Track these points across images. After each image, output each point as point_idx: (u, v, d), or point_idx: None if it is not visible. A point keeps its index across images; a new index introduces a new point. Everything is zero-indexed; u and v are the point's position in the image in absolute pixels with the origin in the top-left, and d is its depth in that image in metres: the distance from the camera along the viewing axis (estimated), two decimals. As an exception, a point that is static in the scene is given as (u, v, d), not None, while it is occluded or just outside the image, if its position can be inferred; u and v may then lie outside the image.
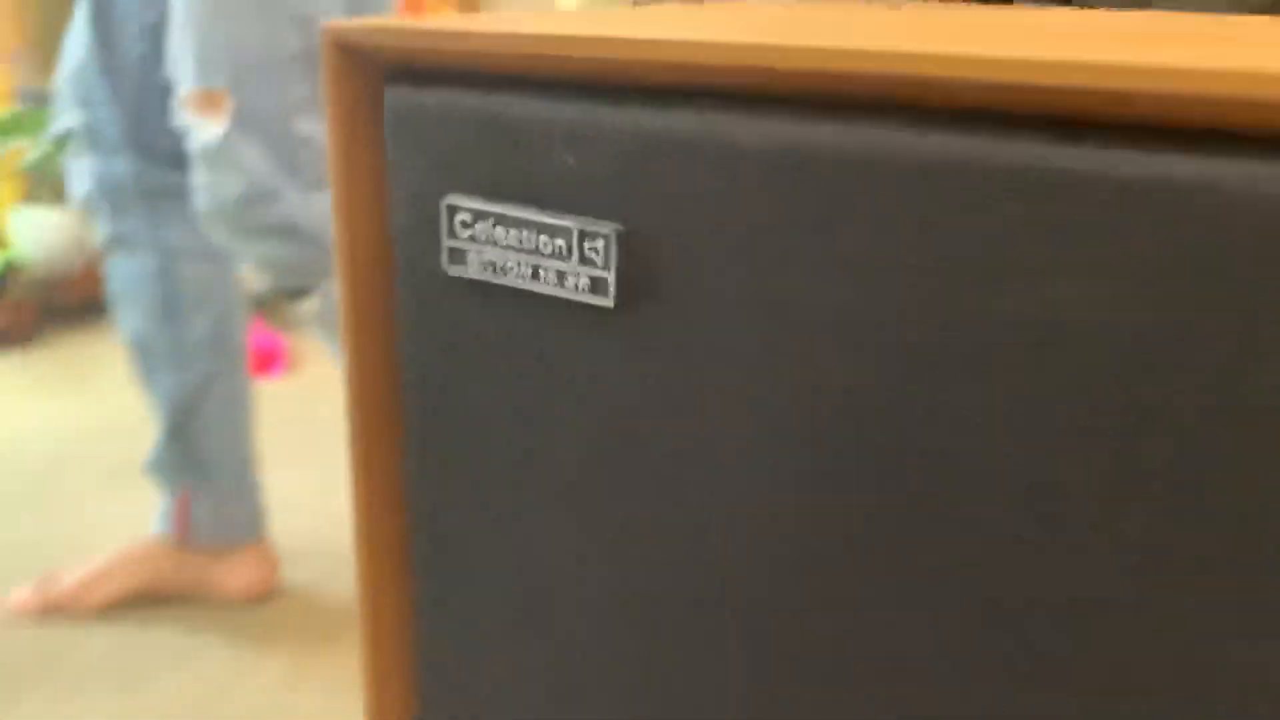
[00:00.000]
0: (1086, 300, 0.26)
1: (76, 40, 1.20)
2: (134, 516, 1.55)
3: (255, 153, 1.06)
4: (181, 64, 1.05)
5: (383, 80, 0.31)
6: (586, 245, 0.29)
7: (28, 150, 2.32)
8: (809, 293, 0.27)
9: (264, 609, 1.36)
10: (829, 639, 0.30)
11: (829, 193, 0.26)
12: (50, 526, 1.55)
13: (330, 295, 1.09)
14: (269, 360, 2.11)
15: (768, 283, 0.27)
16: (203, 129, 1.04)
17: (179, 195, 1.21)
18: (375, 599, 0.41)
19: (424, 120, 0.30)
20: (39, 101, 2.41)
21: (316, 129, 1.08)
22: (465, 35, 0.29)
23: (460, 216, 0.30)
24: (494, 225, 0.30)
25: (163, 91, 1.13)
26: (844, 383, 0.28)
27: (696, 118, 0.27)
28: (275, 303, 2.30)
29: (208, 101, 1.04)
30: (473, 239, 0.30)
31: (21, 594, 1.33)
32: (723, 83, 0.27)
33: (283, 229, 1.09)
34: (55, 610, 1.33)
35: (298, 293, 1.08)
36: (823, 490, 0.29)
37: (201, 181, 1.08)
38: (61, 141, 1.23)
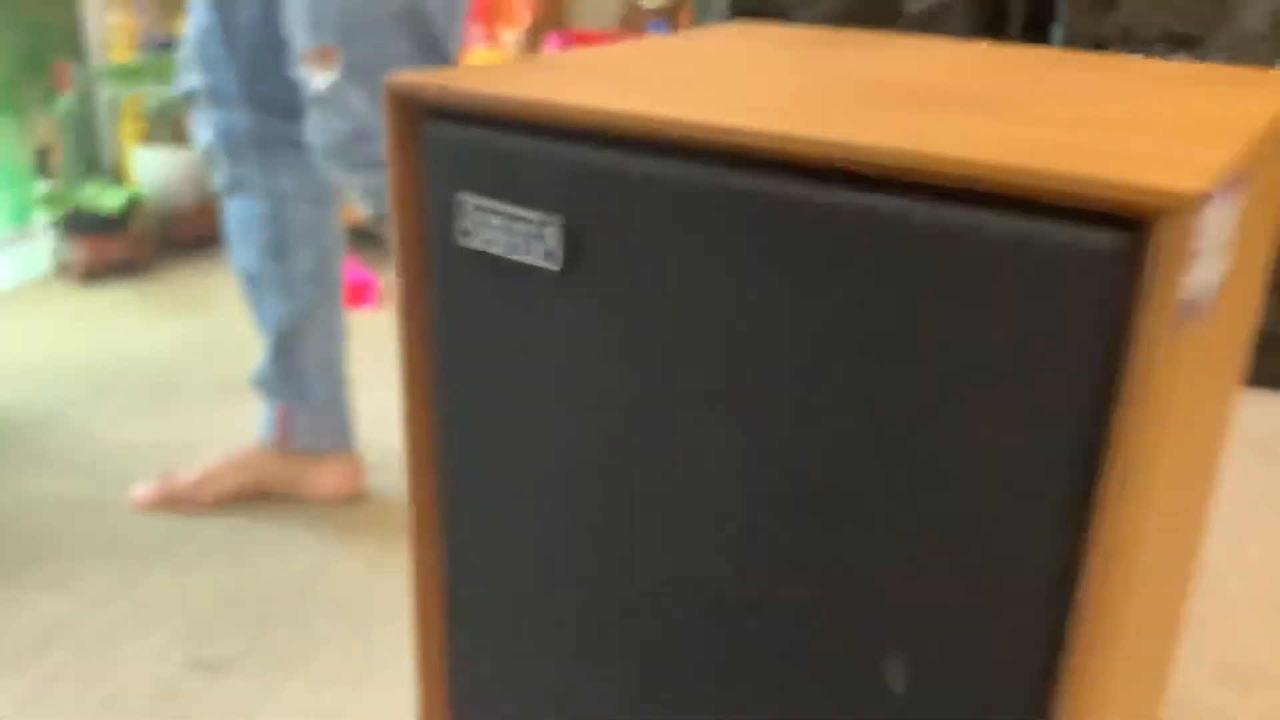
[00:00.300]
0: (838, 289, 0.41)
1: (197, 9, 1.38)
2: (239, 425, 1.77)
3: (359, 97, 1.24)
4: (298, 26, 1.24)
5: (425, 117, 0.47)
6: (545, 230, 0.45)
7: (150, 95, 2.51)
8: (674, 270, 0.43)
9: (350, 508, 1.56)
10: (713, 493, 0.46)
11: (685, 208, 0.42)
12: (168, 432, 1.77)
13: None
14: (361, 294, 2.31)
15: (652, 261, 0.43)
16: (317, 79, 1.23)
17: (290, 144, 1.39)
18: (419, 497, 0.57)
19: (448, 145, 0.47)
20: (161, 48, 2.61)
21: None
22: (471, 92, 0.45)
23: (468, 208, 0.47)
24: (489, 215, 0.46)
25: (275, 51, 1.31)
26: (701, 331, 0.44)
27: (616, 155, 0.43)
28: (373, 238, 2.50)
29: (322, 56, 1.22)
30: (475, 223, 0.47)
31: (145, 489, 1.55)
32: (629, 135, 0.42)
33: (382, 162, 1.28)
34: (174, 503, 1.55)
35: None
36: (700, 406, 0.45)
37: (316, 123, 1.27)
38: (186, 96, 1.42)
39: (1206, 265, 0.36)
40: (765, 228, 0.40)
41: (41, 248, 2.44)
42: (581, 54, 0.55)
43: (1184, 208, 0.32)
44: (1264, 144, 0.43)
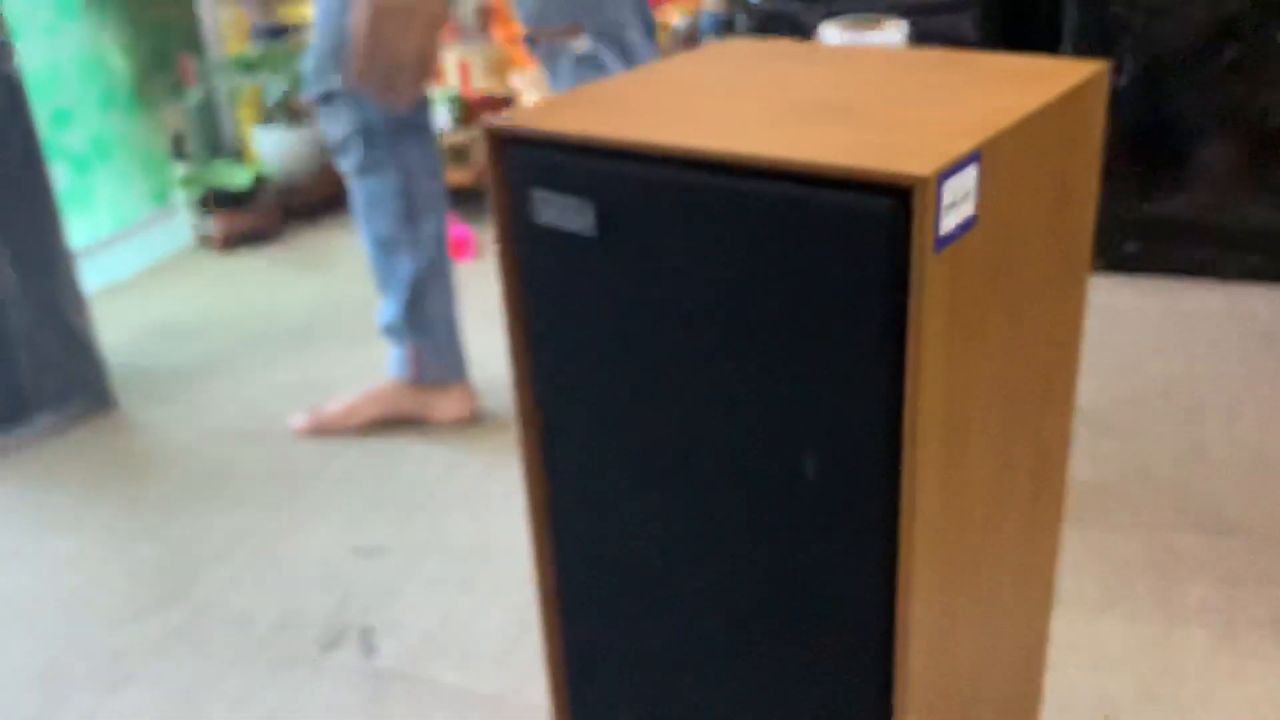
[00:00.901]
0: (738, 263, 0.66)
1: (327, 21, 1.64)
2: (367, 364, 2.09)
3: (611, 56, 1.54)
4: (547, 10, 1.55)
5: (505, 143, 0.74)
6: (584, 211, 0.71)
7: (266, 83, 2.82)
8: (661, 235, 0.69)
9: (468, 429, 1.88)
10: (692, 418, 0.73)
11: (665, 197, 0.68)
12: (310, 374, 2.10)
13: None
14: (463, 247, 2.60)
15: (650, 230, 0.69)
16: (575, 46, 1.53)
17: (416, 128, 1.68)
18: (524, 409, 0.84)
19: (521, 159, 0.73)
20: (271, 37, 2.92)
21: (639, 39, 1.56)
22: (529, 128, 0.72)
23: (536, 197, 0.74)
24: (550, 202, 0.73)
25: None
26: (676, 279, 0.70)
27: (625, 164, 0.69)
28: (476, 197, 2.78)
29: (572, 31, 1.52)
30: (542, 207, 0.74)
31: (300, 420, 1.88)
32: (630, 151, 0.68)
33: None
34: (323, 430, 1.88)
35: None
36: (679, 332, 0.71)
37: (584, 76, 1.55)
38: (321, 98, 1.68)
39: (956, 211, 0.61)
40: (704, 209, 0.67)
41: (183, 223, 2.80)
42: (600, 90, 0.81)
43: (926, 183, 0.57)
44: (1028, 123, 0.68)
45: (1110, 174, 2.10)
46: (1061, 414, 0.90)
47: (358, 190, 1.73)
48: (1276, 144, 2.09)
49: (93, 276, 2.50)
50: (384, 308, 1.82)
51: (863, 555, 0.71)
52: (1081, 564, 1.43)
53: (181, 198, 2.77)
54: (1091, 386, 1.85)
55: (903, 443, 0.65)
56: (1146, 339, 2.00)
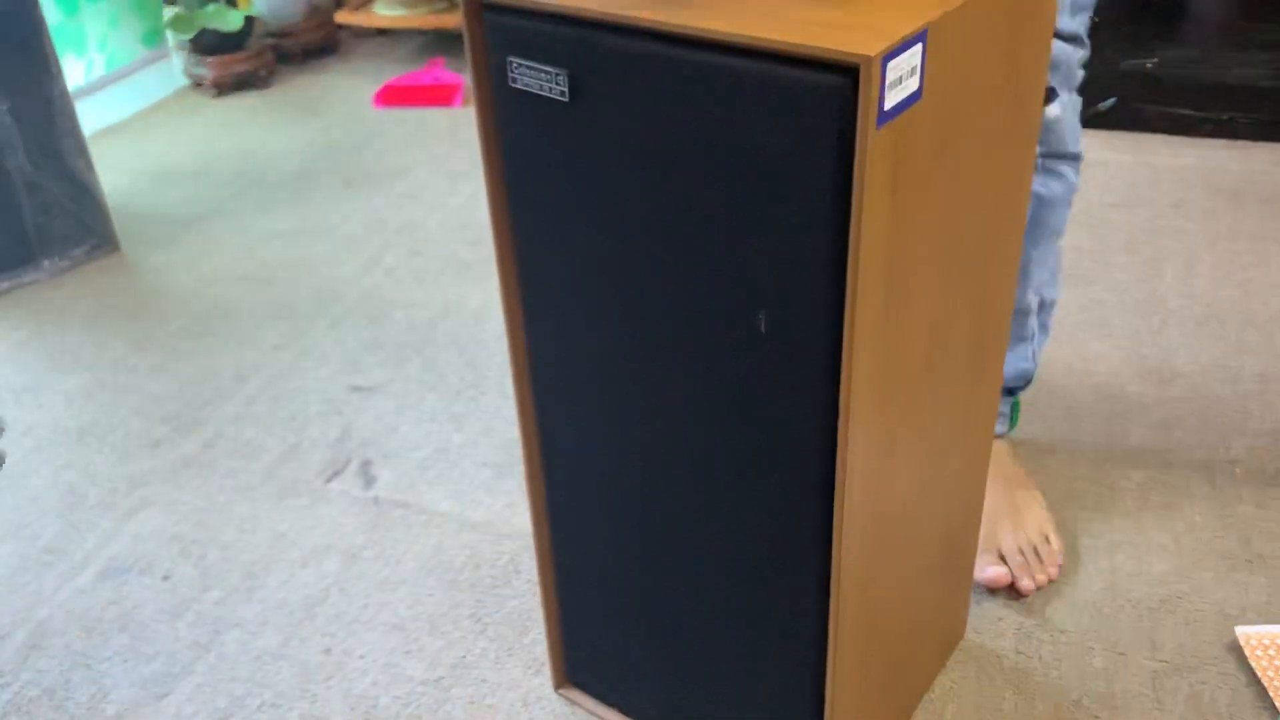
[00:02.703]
0: (698, 126, 0.73)
1: None
2: (364, 210, 2.15)
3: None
4: None
5: (483, 9, 0.79)
6: (558, 78, 0.77)
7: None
8: (627, 97, 0.75)
9: (458, 275, 1.95)
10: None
11: (630, 64, 0.73)
12: (307, 219, 2.16)
13: (1067, 104, 1.22)
14: (450, 93, 2.62)
15: (618, 94, 0.75)
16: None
17: None
18: (503, 256, 0.91)
19: (500, 26, 0.79)
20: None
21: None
22: None
23: (513, 64, 0.79)
24: (527, 68, 0.79)
25: None
26: (638, 136, 0.76)
27: (596, 33, 0.74)
28: (459, 42, 2.77)
29: None
30: (520, 73, 0.79)
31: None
32: (601, 22, 0.73)
33: (1073, 36, 1.23)
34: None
35: (1051, 94, 1.19)
36: (638, 209, 0.78)
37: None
38: None
39: (901, 88, 0.67)
40: (669, 80, 0.72)
41: (176, 66, 2.80)
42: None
43: (871, 62, 0.63)
44: (966, 8, 0.73)
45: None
46: (1005, 271, 0.97)
47: None
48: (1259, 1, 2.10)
49: (86, 120, 2.53)
50: None
51: (810, 398, 0.79)
52: (1032, 407, 1.52)
53: (173, 40, 2.76)
54: (1060, 240, 1.92)
55: (845, 298, 0.73)
56: (1114, 193, 2.06)
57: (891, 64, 0.67)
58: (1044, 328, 1.37)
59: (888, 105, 0.67)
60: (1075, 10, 1.18)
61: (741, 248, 0.76)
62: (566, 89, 0.79)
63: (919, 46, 0.69)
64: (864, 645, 0.94)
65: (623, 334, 0.87)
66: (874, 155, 0.68)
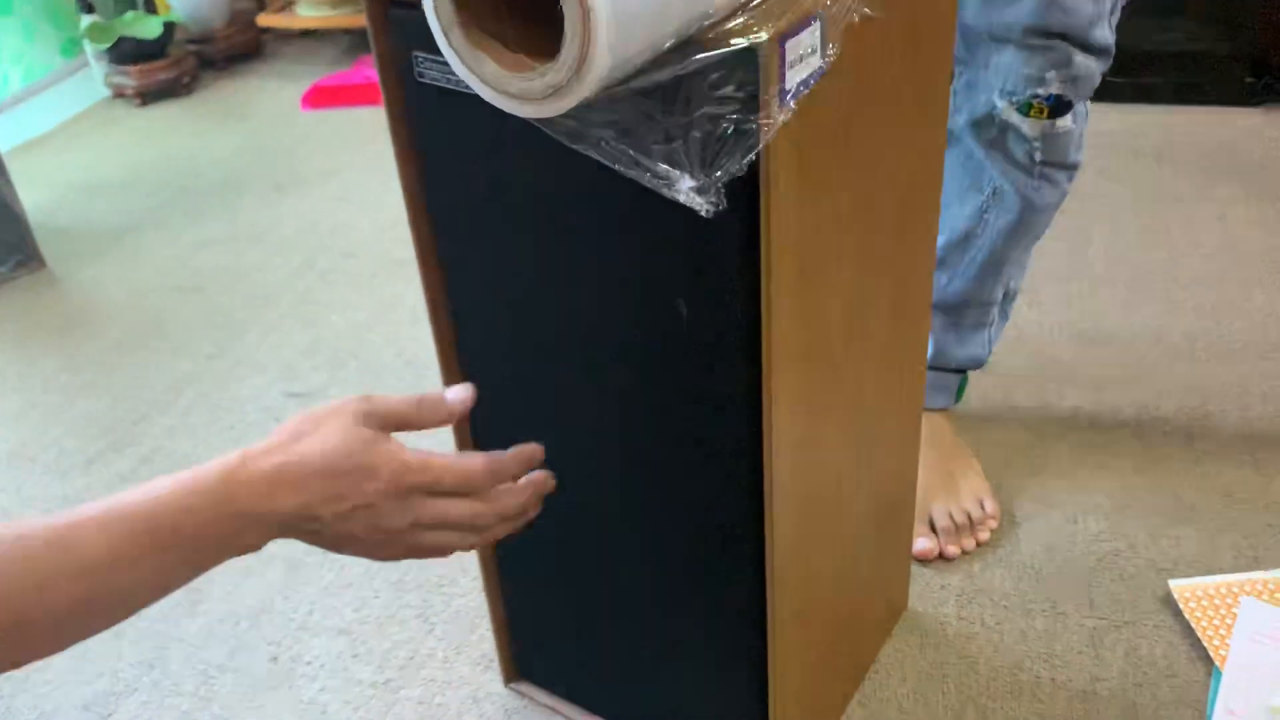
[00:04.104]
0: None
1: None
2: (297, 216, 2.13)
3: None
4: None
5: (385, 5, 0.79)
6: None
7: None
8: None
9: (392, 278, 1.93)
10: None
11: None
12: (238, 226, 2.13)
13: (1080, 116, 1.18)
14: (375, 92, 2.60)
15: None
16: None
17: None
18: (423, 250, 0.90)
19: (403, 21, 0.78)
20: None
21: None
22: None
23: (419, 58, 0.79)
24: (432, 63, 0.78)
25: None
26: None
27: None
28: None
29: None
30: (426, 68, 0.79)
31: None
32: None
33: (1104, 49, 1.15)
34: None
35: (1066, 106, 1.15)
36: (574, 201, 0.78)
37: None
38: None
39: (803, 65, 0.68)
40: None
41: (95, 76, 2.75)
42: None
43: (769, 45, 0.64)
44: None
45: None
46: (922, 246, 0.98)
47: None
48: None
49: (4, 135, 2.48)
50: None
51: (732, 381, 0.80)
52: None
53: (91, 50, 2.71)
54: (989, 211, 1.94)
55: (760, 277, 0.73)
56: (1044, 162, 2.09)
57: (790, 43, 0.67)
58: (1004, 315, 1.38)
59: (790, 84, 0.68)
60: (1113, 23, 1.13)
61: (658, 236, 0.76)
62: (473, 81, 0.79)
63: (816, 25, 0.69)
64: (803, 620, 0.95)
65: (549, 326, 0.87)
66: (779, 138, 0.68)
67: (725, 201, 0.66)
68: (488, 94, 0.64)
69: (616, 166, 0.65)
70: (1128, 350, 1.58)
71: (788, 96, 0.68)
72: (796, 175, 0.72)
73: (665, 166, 0.66)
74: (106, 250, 2.08)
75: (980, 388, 1.52)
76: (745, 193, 0.70)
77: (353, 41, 2.93)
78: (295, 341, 1.76)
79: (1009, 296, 1.36)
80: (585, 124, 0.65)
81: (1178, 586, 1.19)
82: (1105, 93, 2.22)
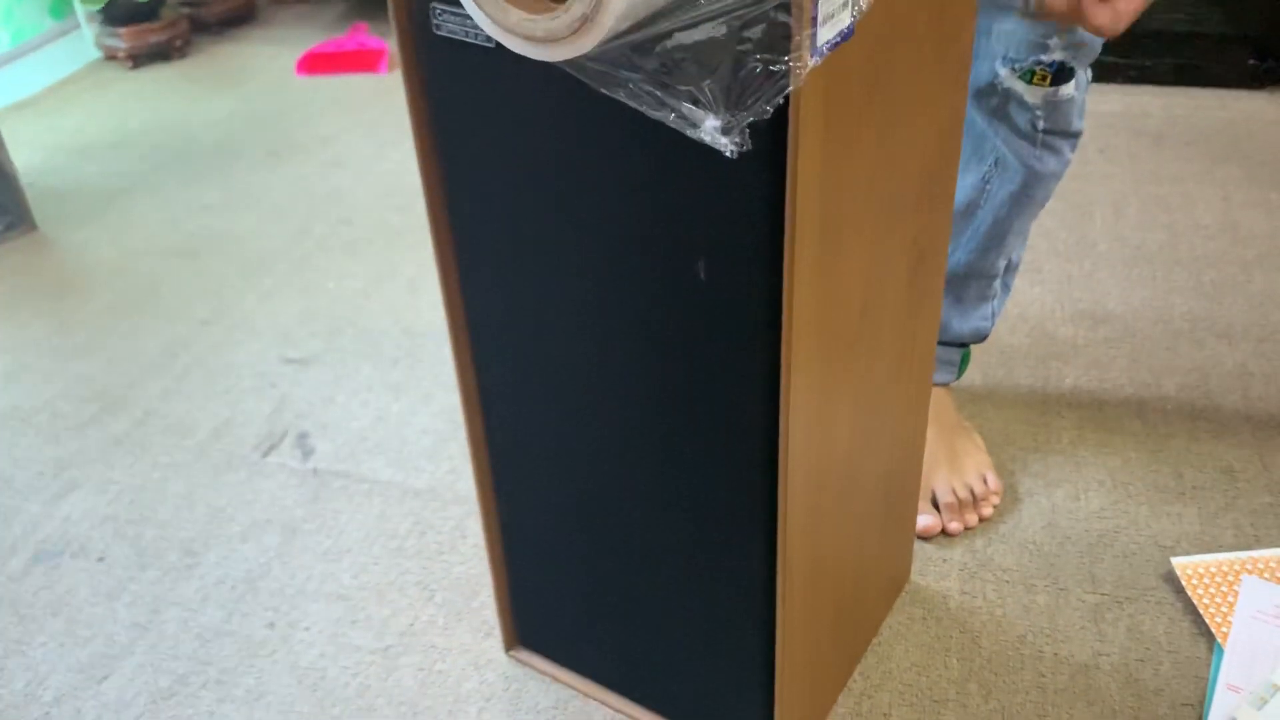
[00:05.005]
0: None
1: None
2: (291, 181, 2.10)
3: None
4: None
5: None
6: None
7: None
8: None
9: (392, 242, 1.92)
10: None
11: None
12: (232, 191, 2.11)
13: (1082, 83, 1.17)
14: (374, 59, 2.57)
15: None
16: None
17: None
18: (435, 215, 0.89)
19: None
20: None
21: None
22: None
23: (436, 9, 0.77)
24: (450, 14, 0.77)
25: None
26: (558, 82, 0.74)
27: None
28: (382, 8, 2.71)
29: None
30: (443, 19, 0.77)
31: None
32: None
33: None
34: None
35: (1069, 73, 1.14)
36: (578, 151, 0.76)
37: None
38: None
39: (833, 21, 0.67)
40: None
41: (87, 38, 2.71)
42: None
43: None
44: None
45: None
46: (940, 214, 0.97)
47: None
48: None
49: (-3, 95, 2.45)
50: None
51: (751, 345, 0.79)
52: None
53: (82, 11, 2.67)
54: (991, 188, 1.93)
55: (784, 244, 0.72)
56: (1046, 141, 2.08)
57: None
58: (1006, 287, 1.37)
59: (820, 40, 0.66)
60: None
61: (679, 194, 0.75)
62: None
63: (845, -18, 0.68)
64: (812, 593, 0.94)
65: (562, 289, 0.86)
66: (808, 93, 0.67)
67: (749, 142, 0.65)
68: (513, 42, 0.63)
69: (642, 108, 0.64)
70: (1129, 329, 1.58)
71: (819, 47, 0.67)
72: (823, 130, 0.71)
73: (690, 106, 0.64)
74: (98, 213, 2.06)
75: (981, 364, 1.52)
76: (769, 147, 0.69)
77: (348, 7, 2.90)
78: (291, 308, 1.74)
79: (1011, 268, 1.36)
80: (613, 65, 0.64)
81: (1180, 564, 1.19)
82: (1108, 73, 2.22)
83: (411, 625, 1.19)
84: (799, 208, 0.70)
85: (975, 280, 1.31)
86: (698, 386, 0.83)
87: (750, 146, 0.64)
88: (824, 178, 0.73)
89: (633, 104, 0.63)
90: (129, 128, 2.39)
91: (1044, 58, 1.12)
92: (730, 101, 0.63)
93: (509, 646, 1.15)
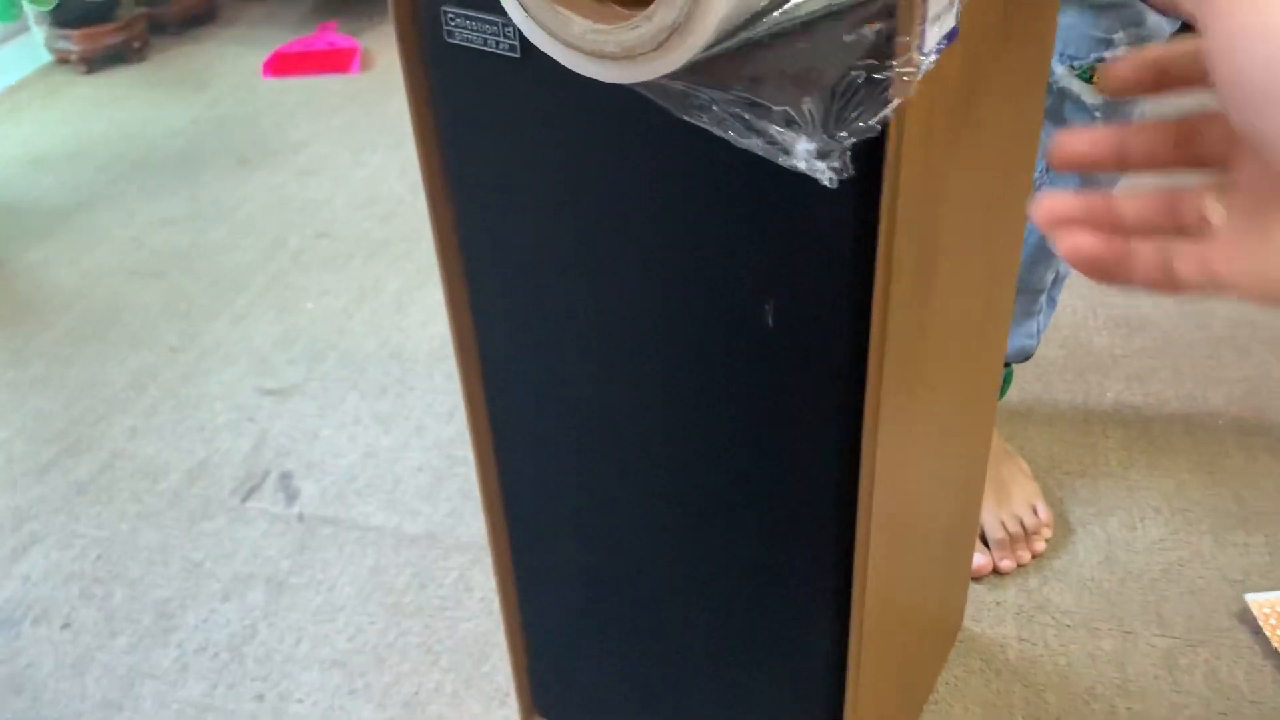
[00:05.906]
0: None
1: None
2: (262, 190, 1.97)
3: None
4: None
5: None
6: (507, 29, 0.64)
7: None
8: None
9: (376, 253, 1.79)
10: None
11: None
12: (199, 203, 1.97)
13: None
14: (344, 59, 2.44)
15: None
16: None
17: None
18: (440, 228, 0.77)
19: None
20: None
21: None
22: None
23: (450, 15, 0.65)
24: (465, 19, 0.65)
25: None
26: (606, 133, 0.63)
27: None
28: (355, 5, 2.58)
29: None
30: (457, 25, 0.66)
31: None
32: None
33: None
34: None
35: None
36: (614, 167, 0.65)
37: None
38: None
39: (940, 23, 0.56)
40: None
41: (38, 40, 2.56)
42: None
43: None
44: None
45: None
46: (1015, 234, 0.87)
47: None
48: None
49: (-58, 104, 2.29)
50: None
51: (825, 396, 0.68)
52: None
53: (32, 11, 2.52)
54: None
55: (874, 279, 0.61)
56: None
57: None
58: (1052, 302, 1.27)
59: (929, 43, 0.55)
60: None
61: (742, 223, 0.64)
62: (518, 42, 0.65)
63: (951, -21, 0.57)
64: (883, 656, 0.83)
65: (594, 328, 0.74)
66: (911, 106, 0.56)
67: (851, 167, 0.53)
68: (575, 59, 0.51)
69: (728, 134, 0.52)
70: (1168, 337, 1.48)
71: (928, 50, 0.56)
72: (924, 149, 0.59)
73: (778, 129, 0.53)
74: (55, 230, 1.92)
75: (1017, 379, 1.42)
76: (862, 172, 0.58)
77: (316, 4, 2.75)
78: (268, 331, 1.61)
79: (1058, 280, 1.26)
80: (695, 84, 0.52)
81: (1255, 600, 1.10)
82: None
83: (416, 694, 1.07)
84: (896, 243, 0.59)
85: (1021, 295, 1.21)
86: (758, 441, 0.72)
87: (852, 172, 0.53)
88: (922, 205, 0.62)
89: (717, 130, 0.52)
90: (86, 137, 2.24)
91: (1107, 54, 1.02)
92: (829, 119, 0.51)
93: (526, 717, 1.03)
